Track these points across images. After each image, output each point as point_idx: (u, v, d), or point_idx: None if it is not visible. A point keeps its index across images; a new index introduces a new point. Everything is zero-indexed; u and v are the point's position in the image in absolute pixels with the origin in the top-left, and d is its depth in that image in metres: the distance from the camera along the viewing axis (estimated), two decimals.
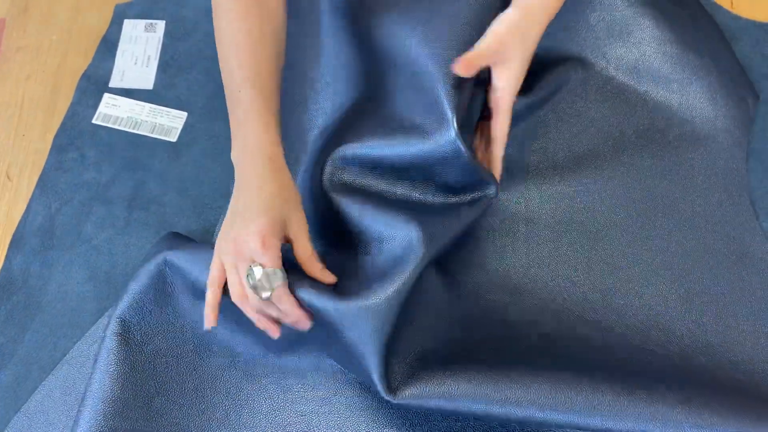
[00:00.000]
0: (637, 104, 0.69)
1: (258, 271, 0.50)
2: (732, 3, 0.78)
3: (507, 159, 0.67)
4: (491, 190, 0.61)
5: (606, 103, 0.69)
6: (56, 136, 0.72)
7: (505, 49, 0.57)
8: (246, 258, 0.51)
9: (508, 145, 0.65)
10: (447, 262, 0.62)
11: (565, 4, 0.63)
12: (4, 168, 0.71)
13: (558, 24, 0.68)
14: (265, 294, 0.50)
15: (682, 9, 0.72)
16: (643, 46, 0.69)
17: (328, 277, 0.54)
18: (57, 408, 0.59)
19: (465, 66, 0.55)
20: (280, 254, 0.52)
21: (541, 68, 0.69)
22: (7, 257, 0.66)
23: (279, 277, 0.50)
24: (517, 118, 0.65)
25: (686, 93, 0.69)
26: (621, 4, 0.69)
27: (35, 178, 0.70)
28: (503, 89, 0.58)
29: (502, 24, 0.57)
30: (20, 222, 0.67)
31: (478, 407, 0.53)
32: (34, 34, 0.79)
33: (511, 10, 0.58)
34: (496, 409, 0.52)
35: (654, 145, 0.69)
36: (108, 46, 0.76)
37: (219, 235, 0.53)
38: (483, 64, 0.57)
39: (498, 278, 0.64)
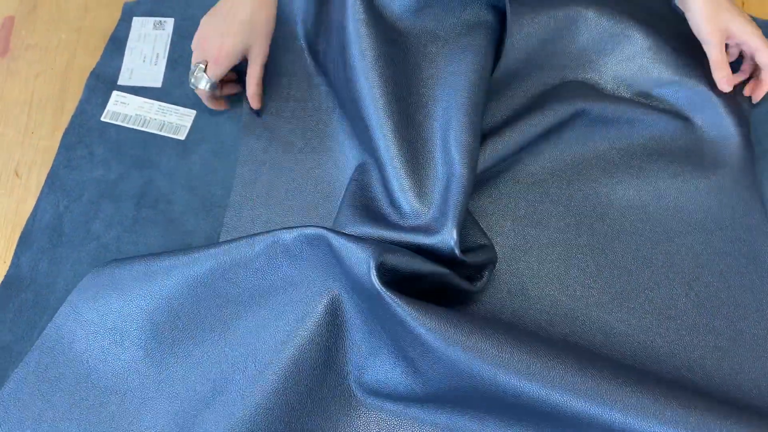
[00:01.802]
0: (642, 114, 0.69)
1: (198, 70, 0.67)
2: (743, 2, 0.77)
3: (516, 164, 0.68)
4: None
5: (611, 113, 0.69)
6: (65, 134, 0.71)
7: (725, 30, 0.65)
8: (200, 59, 0.68)
9: (518, 151, 0.66)
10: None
11: (549, 32, 0.67)
12: (13, 165, 0.71)
13: (547, 52, 0.69)
14: (197, 85, 0.68)
15: (660, 20, 0.72)
16: (638, 58, 0.69)
17: (255, 102, 0.70)
18: (31, 394, 0.58)
19: (729, 84, 0.66)
20: (225, 72, 0.68)
21: (537, 100, 0.69)
22: (16, 255, 0.65)
23: (206, 84, 0.67)
24: (520, 135, 0.66)
25: (690, 96, 0.69)
26: (606, 23, 0.69)
27: (44, 176, 0.70)
28: (759, 49, 0.65)
29: (702, 22, 0.65)
30: (28, 220, 0.67)
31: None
32: (43, 32, 0.79)
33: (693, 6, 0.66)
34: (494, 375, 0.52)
35: (663, 150, 0.69)
36: (117, 44, 0.76)
37: (199, 28, 0.69)
38: (728, 61, 0.67)
39: (507, 282, 0.63)
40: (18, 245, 0.66)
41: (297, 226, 0.57)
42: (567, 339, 0.60)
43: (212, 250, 0.59)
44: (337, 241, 0.55)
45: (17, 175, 0.71)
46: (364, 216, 0.61)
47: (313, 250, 0.57)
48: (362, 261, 0.53)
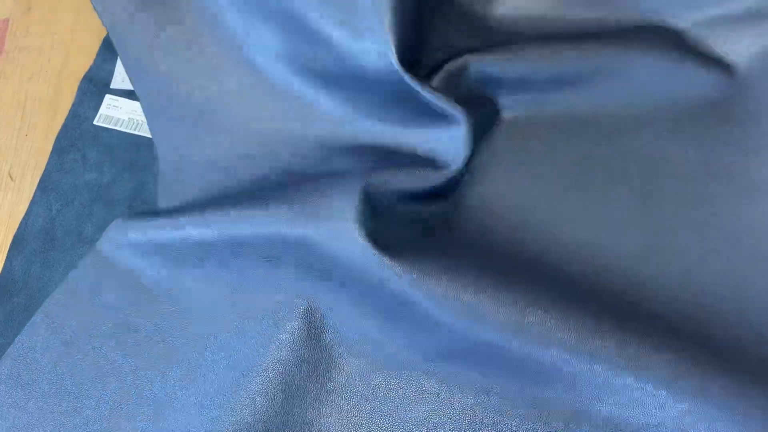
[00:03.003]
0: (698, 72, 0.66)
1: None
2: None
3: (560, 116, 0.66)
4: (457, 136, 0.59)
5: (662, 68, 0.66)
6: (57, 138, 0.72)
7: None
8: None
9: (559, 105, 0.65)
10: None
11: None
12: (7, 168, 0.71)
13: None
14: None
15: None
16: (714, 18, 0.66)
17: None
18: (4, 402, 0.58)
19: None
20: None
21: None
22: (8, 258, 0.66)
23: None
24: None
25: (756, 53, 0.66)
26: None
27: (38, 179, 0.70)
28: None
29: None
30: (21, 223, 0.67)
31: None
32: (38, 34, 0.79)
33: None
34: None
35: (716, 118, 0.66)
36: (110, 47, 0.76)
37: None
38: None
39: (543, 226, 0.62)
40: (10, 249, 0.66)
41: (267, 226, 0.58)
42: (591, 288, 0.59)
43: (195, 267, 0.60)
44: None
45: (11, 177, 0.71)
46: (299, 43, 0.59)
47: (288, 250, 0.57)
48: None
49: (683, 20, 0.68)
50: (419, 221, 0.59)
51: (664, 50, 0.66)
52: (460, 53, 0.64)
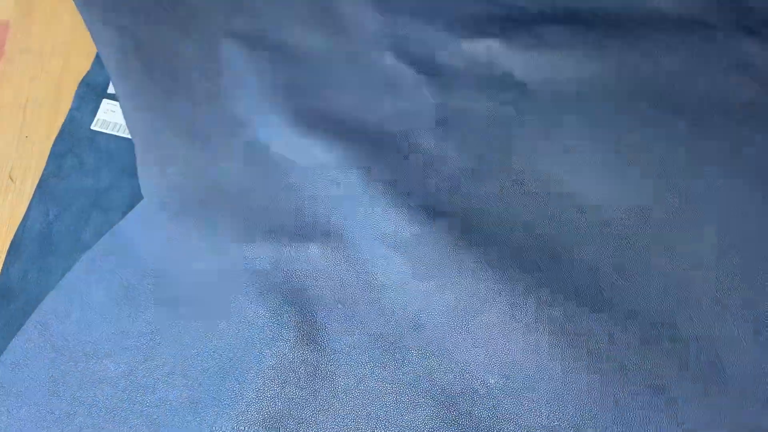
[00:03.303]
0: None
1: None
2: None
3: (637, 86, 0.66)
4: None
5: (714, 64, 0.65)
6: (55, 143, 0.72)
7: None
8: None
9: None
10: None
11: None
12: (8, 169, 0.72)
13: None
14: None
15: None
16: None
17: None
18: None
19: None
20: None
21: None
22: (6, 264, 0.66)
23: None
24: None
25: None
26: None
27: (38, 180, 0.70)
28: None
29: None
30: (18, 228, 0.68)
31: None
32: (38, 36, 0.79)
33: None
34: None
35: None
36: None
37: None
38: None
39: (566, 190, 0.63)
40: (8, 254, 0.67)
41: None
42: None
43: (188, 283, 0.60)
44: None
45: (11, 179, 0.72)
46: None
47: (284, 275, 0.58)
48: None
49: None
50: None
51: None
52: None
